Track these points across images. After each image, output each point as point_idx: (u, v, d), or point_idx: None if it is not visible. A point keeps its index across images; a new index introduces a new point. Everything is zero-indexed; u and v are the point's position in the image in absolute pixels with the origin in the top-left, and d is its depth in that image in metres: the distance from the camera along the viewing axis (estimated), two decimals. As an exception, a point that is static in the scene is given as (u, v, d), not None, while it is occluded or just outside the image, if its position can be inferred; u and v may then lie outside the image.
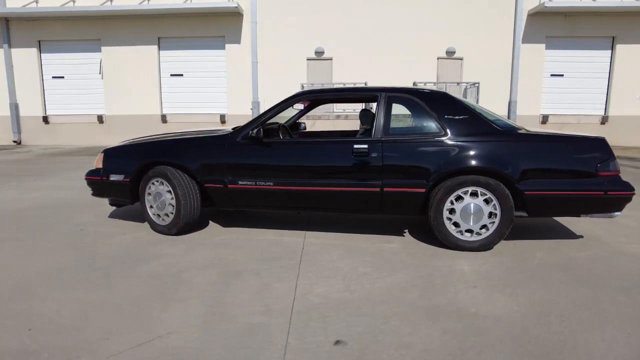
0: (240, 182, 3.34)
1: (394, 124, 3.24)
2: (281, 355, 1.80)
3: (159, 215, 3.55)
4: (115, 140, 13.62)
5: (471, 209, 3.10)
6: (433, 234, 3.21)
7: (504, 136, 3.10)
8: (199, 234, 3.59)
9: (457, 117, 3.16)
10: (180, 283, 2.56)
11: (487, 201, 3.10)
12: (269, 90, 13.53)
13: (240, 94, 13.54)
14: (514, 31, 13.68)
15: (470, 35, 13.71)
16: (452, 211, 3.14)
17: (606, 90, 14.06)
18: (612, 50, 13.90)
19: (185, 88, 13.45)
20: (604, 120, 14.04)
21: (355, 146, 3.18)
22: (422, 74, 13.82)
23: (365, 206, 3.25)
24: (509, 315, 2.18)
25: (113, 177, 3.60)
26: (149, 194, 3.57)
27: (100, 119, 13.67)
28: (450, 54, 13.95)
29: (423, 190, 3.12)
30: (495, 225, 3.10)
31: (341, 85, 12.96)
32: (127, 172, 3.55)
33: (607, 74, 14.01)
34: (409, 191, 3.14)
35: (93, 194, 3.79)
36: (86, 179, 3.75)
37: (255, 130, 3.26)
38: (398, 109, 3.28)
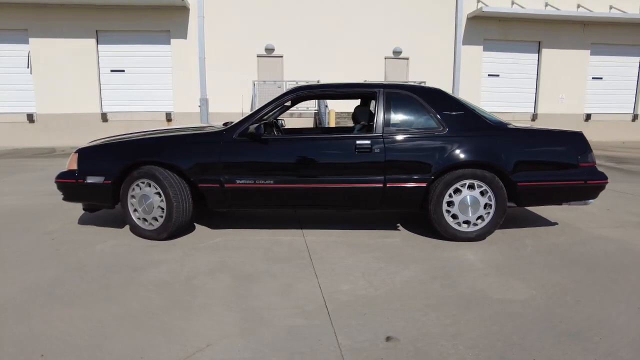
0: (238, 181, 3.19)
1: (393, 120, 3.28)
2: (339, 357, 1.75)
3: (145, 220, 3.29)
4: (50, 141, 12.45)
5: (468, 201, 3.23)
6: (432, 226, 3.29)
7: (497, 131, 3.26)
8: (189, 238, 3.38)
9: (453, 113, 3.27)
10: (194, 290, 2.39)
11: (482, 193, 3.24)
12: (217, 87, 13.12)
13: (187, 91, 12.99)
14: (455, 33, 14.47)
15: (415, 36, 14.29)
16: (450, 204, 3.24)
17: (535, 90, 15.34)
18: (538, 53, 15.20)
19: (127, 85, 12.63)
20: (534, 117, 15.33)
21: (358, 142, 3.18)
22: (371, 73, 14.17)
23: (368, 202, 3.26)
24: (530, 299, 2.30)
25: (91, 180, 3.28)
26: (133, 196, 3.30)
27: (30, 117, 12.41)
28: (396, 53, 14.44)
29: (424, 184, 3.19)
30: (490, 215, 3.26)
31: (302, 83, 12.89)
32: (108, 173, 3.25)
33: (535, 75, 15.31)
34: (411, 186, 3.19)
35: (65, 199, 3.43)
36: (57, 182, 3.38)
37: (255, 127, 3.13)
38: (397, 105, 3.32)
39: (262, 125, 3.13)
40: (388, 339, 1.90)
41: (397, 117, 3.30)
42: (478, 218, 3.26)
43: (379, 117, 3.26)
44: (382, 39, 14.16)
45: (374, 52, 14.19)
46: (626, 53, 15.54)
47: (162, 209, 3.22)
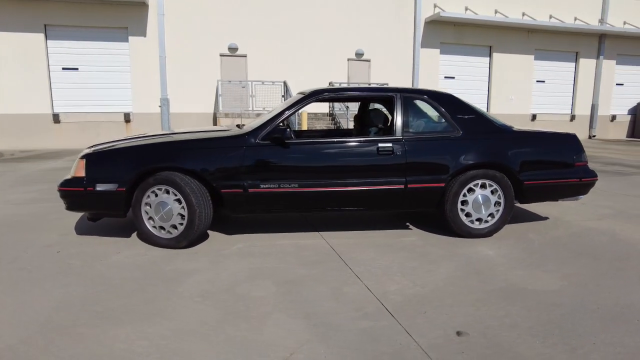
0: (262, 186, 3.15)
1: (411, 123, 3.40)
2: (423, 354, 1.81)
3: (162, 228, 3.16)
4: (-9, 144, 11.39)
5: (480, 200, 3.42)
6: (448, 225, 3.44)
7: (505, 133, 3.48)
8: (207, 245, 3.28)
9: (466, 117, 3.45)
10: (242, 299, 2.35)
11: (492, 192, 3.44)
12: (179, 87, 12.68)
13: (147, 91, 12.43)
14: (414, 36, 15.01)
15: (376, 39, 14.65)
16: (464, 203, 3.41)
17: (487, 91, 16.28)
18: (490, 57, 16.14)
19: (81, 84, 11.85)
20: (487, 117, 16.23)
21: (381, 145, 3.26)
22: (335, 74, 14.35)
23: (390, 203, 3.34)
24: (561, 289, 2.49)
25: (101, 187, 3.09)
26: (147, 204, 3.15)
27: (-32, 119, 11.29)
28: (359, 55, 14.72)
29: (442, 184, 3.33)
30: (500, 213, 3.47)
31: (268, 83, 12.77)
32: (122, 180, 3.08)
33: (487, 78, 16.24)
34: (430, 186, 3.32)
35: (69, 208, 3.20)
36: (61, 190, 3.14)
37: (282, 130, 3.10)
38: (414, 109, 3.44)
39: (289, 129, 3.12)
40: (459, 333, 1.99)
41: (415, 120, 3.41)
42: (489, 215, 3.46)
43: (398, 121, 3.36)
44: (345, 40, 14.37)
45: (337, 54, 14.37)
46: (564, 59, 16.92)
47: (182, 216, 3.11)
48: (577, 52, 16.90)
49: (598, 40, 16.93)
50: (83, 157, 3.16)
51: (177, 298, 2.35)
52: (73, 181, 3.13)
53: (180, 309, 2.22)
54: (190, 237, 3.12)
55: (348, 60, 14.68)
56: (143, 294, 2.39)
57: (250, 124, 3.69)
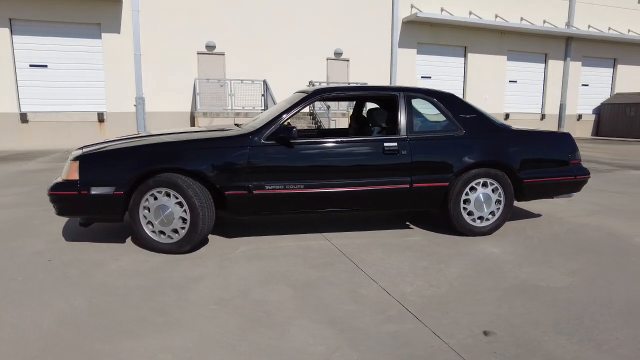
0: (267, 187, 3.07)
1: (415, 122, 3.39)
2: (457, 356, 1.79)
3: (162, 233, 3.02)
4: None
5: (482, 198, 3.45)
6: (451, 223, 3.46)
7: (505, 132, 3.52)
8: (209, 249, 3.17)
9: (468, 116, 3.47)
10: (261, 305, 2.27)
11: (493, 190, 3.48)
12: (155, 85, 12.32)
13: (121, 90, 12.01)
14: (391, 36, 15.16)
15: (355, 38, 14.70)
16: (466, 201, 3.44)
17: (462, 90, 16.62)
18: (465, 57, 16.50)
19: (51, 82, 11.31)
20: (462, 117, 16.59)
21: (386, 144, 3.23)
22: (314, 73, 14.30)
23: (396, 202, 3.33)
24: (572, 285, 2.54)
25: (97, 190, 2.92)
26: (146, 208, 3.01)
27: None
28: (338, 55, 14.73)
29: (447, 184, 3.35)
30: (500, 211, 3.51)
31: (247, 82, 12.58)
32: (119, 182, 2.92)
33: (463, 77, 16.59)
34: (435, 185, 3.33)
35: (60, 213, 3.01)
36: (52, 194, 2.95)
37: (288, 130, 3.02)
38: (418, 108, 3.43)
39: (295, 129, 3.04)
40: (486, 333, 1.99)
41: (418, 119, 3.41)
42: (490, 213, 3.50)
43: (403, 120, 3.34)
44: (324, 40, 14.34)
45: (316, 53, 14.32)
46: (534, 60, 17.51)
47: (184, 219, 2.98)
48: (546, 54, 17.52)
49: (565, 42, 17.61)
50: (76, 158, 2.98)
51: (191, 306, 2.24)
52: (65, 184, 2.95)
53: (197, 318, 2.12)
54: (193, 242, 3.00)
55: (327, 59, 14.67)
56: (154, 304, 2.27)
57: (251, 123, 3.60)
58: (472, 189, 3.44)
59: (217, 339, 1.92)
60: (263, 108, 12.84)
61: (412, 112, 3.38)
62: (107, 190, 2.92)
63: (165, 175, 2.95)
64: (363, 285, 2.52)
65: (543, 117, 17.84)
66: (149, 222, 3.03)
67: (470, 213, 3.46)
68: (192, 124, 12.72)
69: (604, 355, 1.82)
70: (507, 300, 2.33)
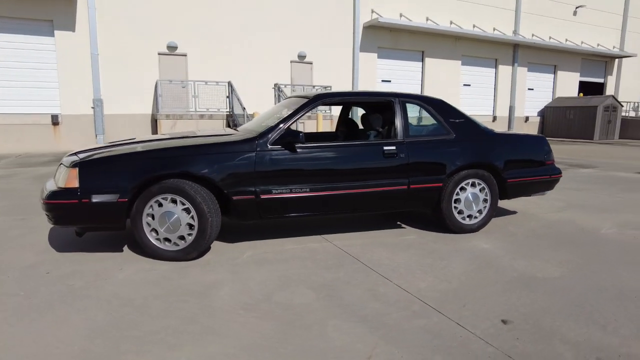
0: (274, 191, 3.10)
1: (411, 126, 3.55)
2: (486, 344, 1.94)
3: (168, 240, 2.97)
4: None
5: (471, 197, 3.68)
6: (443, 222, 3.65)
7: (490, 136, 3.78)
8: (214, 255, 3.14)
9: (457, 121, 3.69)
10: (288, 308, 2.31)
11: (480, 190, 3.72)
12: (114, 86, 11.80)
13: (77, 91, 11.39)
14: (353, 40, 15.46)
15: (318, 42, 14.86)
16: (457, 201, 3.65)
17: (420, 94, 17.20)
18: (422, 62, 17.14)
19: (-2, 81, 10.51)
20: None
21: (385, 148, 3.37)
22: (279, 76, 14.30)
23: (393, 204, 3.47)
24: (564, 275, 2.79)
25: (98, 198, 2.82)
26: (150, 215, 2.94)
27: None
28: (301, 57, 14.82)
29: (440, 184, 3.54)
30: (487, 209, 3.76)
31: (211, 84, 12.34)
32: (123, 189, 2.84)
33: (420, 81, 17.24)
34: (430, 186, 3.51)
35: (56, 223, 2.88)
36: (48, 203, 2.81)
37: (295, 134, 3.07)
38: (412, 113, 3.60)
39: (302, 133, 3.09)
40: (504, 322, 2.16)
41: (414, 124, 3.58)
42: (478, 212, 3.73)
43: (399, 124, 3.50)
44: (288, 42, 14.37)
45: (281, 56, 14.32)
46: (486, 65, 18.52)
47: (191, 226, 2.95)
48: (496, 59, 18.59)
49: (513, 49, 18.78)
50: (75, 165, 2.86)
51: (219, 313, 2.24)
52: (64, 193, 2.82)
53: (230, 324, 2.13)
54: (201, 248, 2.97)
55: (291, 62, 14.70)
56: (179, 312, 2.25)
57: (249, 127, 3.61)
58: (462, 189, 3.66)
59: (259, 343, 1.95)
60: (228, 110, 12.67)
61: (407, 116, 3.54)
62: (110, 197, 2.83)
63: (171, 181, 2.90)
64: (379, 284, 2.63)
65: (495, 119, 18.91)
66: (153, 230, 2.97)
67: (460, 212, 3.68)
68: (154, 126, 12.30)
69: (610, 336, 2.04)
70: (513, 292, 2.53)
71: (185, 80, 12.31)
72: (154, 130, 12.35)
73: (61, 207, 2.82)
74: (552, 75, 20.46)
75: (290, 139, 3.10)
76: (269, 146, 3.12)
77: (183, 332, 2.04)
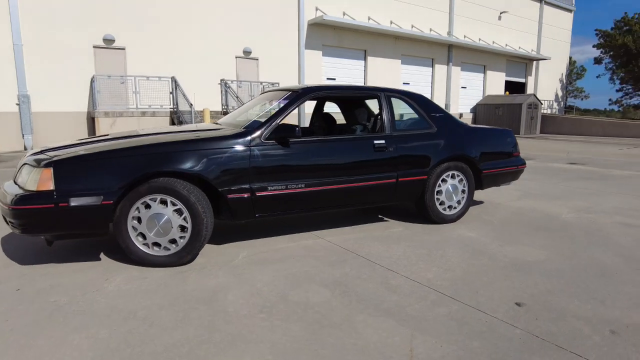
0: (270, 188, 2.98)
1: (397, 120, 3.60)
2: (511, 326, 2.02)
3: (157, 245, 2.74)
4: None
5: (451, 189, 3.82)
6: (426, 213, 3.75)
7: (466, 129, 3.94)
8: (207, 258, 2.95)
9: (437, 115, 3.80)
10: (309, 307, 2.23)
11: (459, 181, 3.88)
12: (43, 81, 10.72)
13: (-3, 86, 10.18)
14: (298, 37, 15.42)
15: (264, 38, 14.63)
16: (439, 192, 3.77)
17: (365, 92, 17.60)
18: (365, 60, 17.54)
19: None
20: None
21: (376, 142, 3.38)
22: (223, 71, 13.87)
23: (383, 197, 3.49)
24: (550, 258, 2.99)
25: (78, 201, 2.52)
26: (135, 218, 2.70)
27: None
28: (247, 53, 14.50)
29: (425, 177, 3.63)
30: (465, 199, 3.93)
31: (154, 79, 11.64)
32: (108, 190, 2.56)
33: (363, 80, 17.63)
34: (416, 179, 3.58)
35: (26, 231, 2.53)
36: (16, 209, 2.46)
37: (290, 129, 2.96)
38: (397, 107, 3.64)
39: (299, 127, 2.99)
40: (518, 304, 2.26)
41: (399, 118, 3.63)
42: (457, 202, 3.89)
43: (386, 118, 3.53)
44: (233, 38, 13.98)
45: (226, 51, 13.89)
46: (424, 64, 19.41)
47: (184, 228, 2.75)
48: (432, 59, 19.55)
49: (447, 49, 19.86)
50: (47, 164, 2.53)
51: (238, 318, 2.11)
52: (36, 197, 2.48)
53: (254, 329, 2.01)
54: (195, 251, 2.78)
55: (236, 57, 14.32)
56: (193, 321, 2.08)
57: (230, 121, 3.44)
58: (443, 180, 3.78)
59: (294, 346, 1.86)
60: (172, 107, 12.04)
61: (392, 111, 3.59)
62: (92, 200, 2.54)
63: (162, 180, 2.68)
64: (389, 277, 2.63)
65: (432, 116, 19.86)
66: (140, 234, 2.72)
67: (442, 203, 3.81)
68: (91, 125, 11.35)
69: (611, 309, 2.22)
70: (512, 276, 2.66)
71: (125, 76, 11.50)
72: (91, 129, 11.41)
73: (33, 213, 2.48)
74: (482, 75, 21.95)
75: (285, 133, 3.00)
76: (264, 142, 2.99)
77: (207, 342, 1.89)
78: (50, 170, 2.51)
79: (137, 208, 2.68)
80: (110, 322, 2.07)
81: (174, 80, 11.90)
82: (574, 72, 42.07)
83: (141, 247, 2.73)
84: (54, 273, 2.68)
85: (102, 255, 2.98)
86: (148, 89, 11.72)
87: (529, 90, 24.58)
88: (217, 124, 3.62)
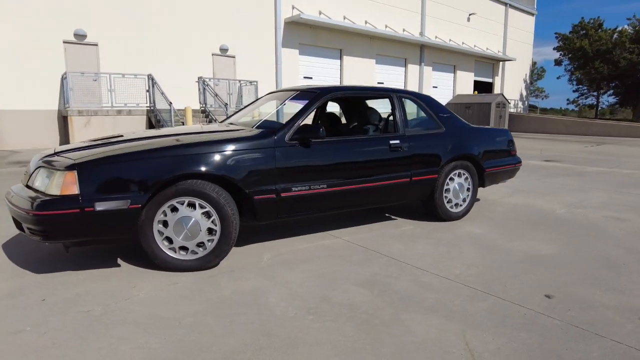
0: (294, 189, 2.97)
1: (409, 121, 3.67)
2: (548, 318, 2.13)
3: (184, 249, 2.68)
4: None
5: (457, 187, 3.95)
6: (435, 211, 3.86)
7: (470, 129, 4.08)
8: (230, 262, 2.90)
9: (445, 115, 3.91)
10: (352, 307, 2.25)
11: (465, 179, 4.01)
12: (9, 79, 10.15)
13: (-43, 82, 9.54)
14: (275, 35, 15.33)
15: (240, 35, 14.46)
16: (447, 190, 3.89)
17: (341, 91, 17.70)
18: (340, 59, 17.67)
19: None
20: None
21: (391, 142, 3.44)
22: (200, 69, 13.63)
23: (397, 196, 3.56)
24: (559, 252, 3.15)
25: (104, 205, 2.43)
26: (161, 222, 2.63)
27: None
28: (223, 51, 14.30)
29: (436, 176, 3.73)
30: (470, 197, 4.07)
31: (129, 76, 11.22)
32: (136, 194, 2.48)
33: (339, 79, 17.74)
34: (427, 178, 3.68)
35: (49, 238, 2.42)
36: (39, 215, 2.34)
37: (315, 130, 2.97)
38: (409, 108, 3.72)
39: (322, 128, 3.00)
40: (548, 296, 2.38)
41: (411, 118, 3.70)
42: (462, 200, 4.02)
43: (399, 119, 3.59)
44: (209, 35, 13.73)
45: (202, 48, 13.63)
46: (397, 64, 19.76)
47: (213, 231, 2.70)
48: (405, 59, 19.93)
49: (420, 49, 20.31)
50: (71, 167, 2.42)
51: (288, 321, 2.11)
52: (60, 201, 2.37)
53: (309, 331, 2.01)
54: (224, 254, 2.75)
55: (213, 55, 14.09)
56: (244, 326, 2.06)
57: (245, 122, 3.40)
58: (451, 179, 3.90)
59: (356, 346, 1.88)
60: (149, 105, 11.69)
61: (405, 112, 3.66)
62: (119, 204, 2.46)
63: (190, 182, 2.62)
64: (419, 275, 2.70)
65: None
66: (166, 238, 2.66)
67: (449, 201, 3.92)
68: (63, 124, 10.84)
69: (631, 298, 2.38)
70: (532, 270, 2.79)
71: (99, 73, 11.05)
72: (62, 128, 10.90)
73: (57, 218, 2.37)
74: (453, 75, 22.59)
75: (308, 134, 3.00)
76: (288, 142, 2.98)
77: (268, 348, 1.88)
78: (75, 174, 2.41)
79: (164, 211, 2.62)
80: (157, 331, 2.02)
81: (150, 77, 11.55)
82: (535, 72, 44.06)
83: (167, 252, 2.67)
84: (75, 281, 2.58)
85: (120, 261, 2.89)
86: (124, 86, 11.32)
87: (496, 90, 25.52)
88: (231, 124, 3.57)
